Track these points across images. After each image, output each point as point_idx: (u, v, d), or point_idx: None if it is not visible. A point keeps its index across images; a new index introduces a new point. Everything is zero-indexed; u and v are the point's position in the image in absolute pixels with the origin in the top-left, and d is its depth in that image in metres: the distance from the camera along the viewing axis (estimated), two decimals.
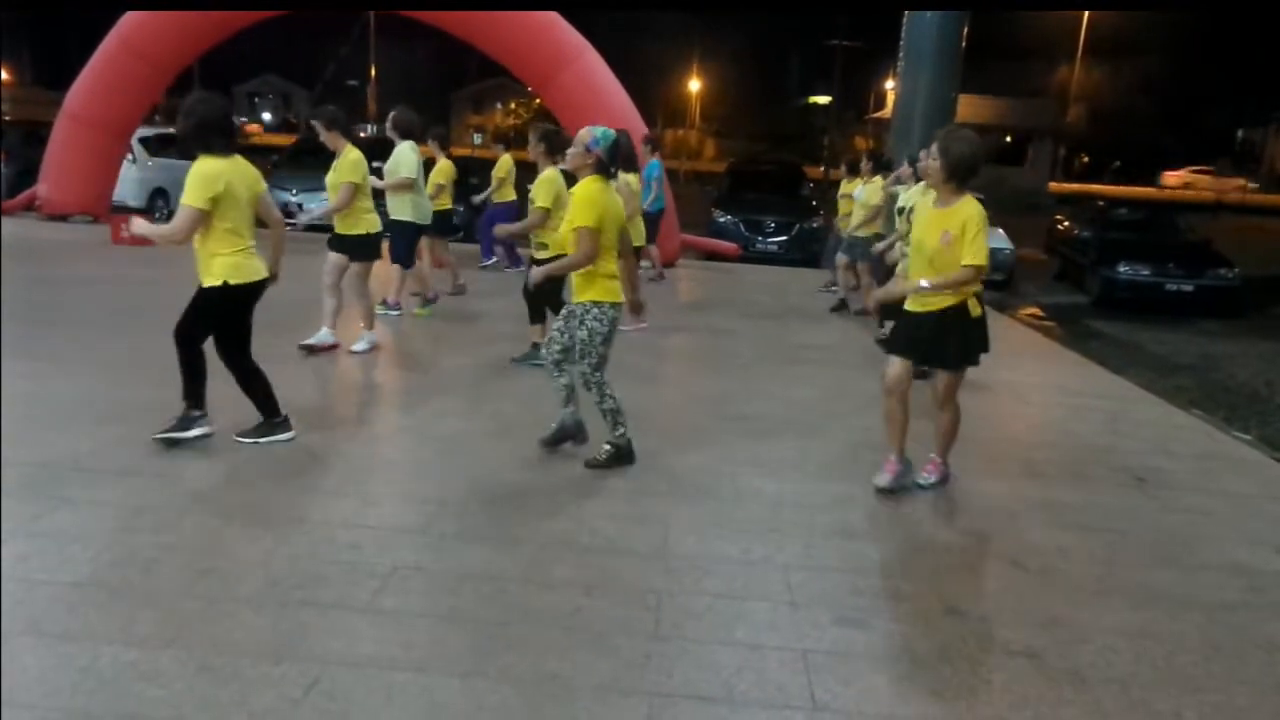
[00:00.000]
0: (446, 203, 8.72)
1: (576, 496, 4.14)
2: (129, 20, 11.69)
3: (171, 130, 19.61)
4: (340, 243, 6.34)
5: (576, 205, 4.18)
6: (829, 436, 5.27)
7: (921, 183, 6.17)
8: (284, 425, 4.58)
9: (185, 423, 4.38)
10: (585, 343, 4.30)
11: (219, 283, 4.22)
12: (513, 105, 62.71)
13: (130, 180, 13.86)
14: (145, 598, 3.05)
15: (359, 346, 6.50)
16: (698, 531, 3.85)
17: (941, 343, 4.19)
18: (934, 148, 4.11)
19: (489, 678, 2.73)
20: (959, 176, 4.04)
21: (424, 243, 8.11)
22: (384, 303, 7.77)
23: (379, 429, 5.00)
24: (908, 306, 4.27)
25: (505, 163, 10.07)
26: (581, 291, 4.29)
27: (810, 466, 4.76)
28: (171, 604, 3.02)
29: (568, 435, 4.65)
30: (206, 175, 4.07)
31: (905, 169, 7.51)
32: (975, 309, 4.15)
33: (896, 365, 4.30)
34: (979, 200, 4.08)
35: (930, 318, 4.16)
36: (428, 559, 3.45)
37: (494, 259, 10.95)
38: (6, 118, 19.02)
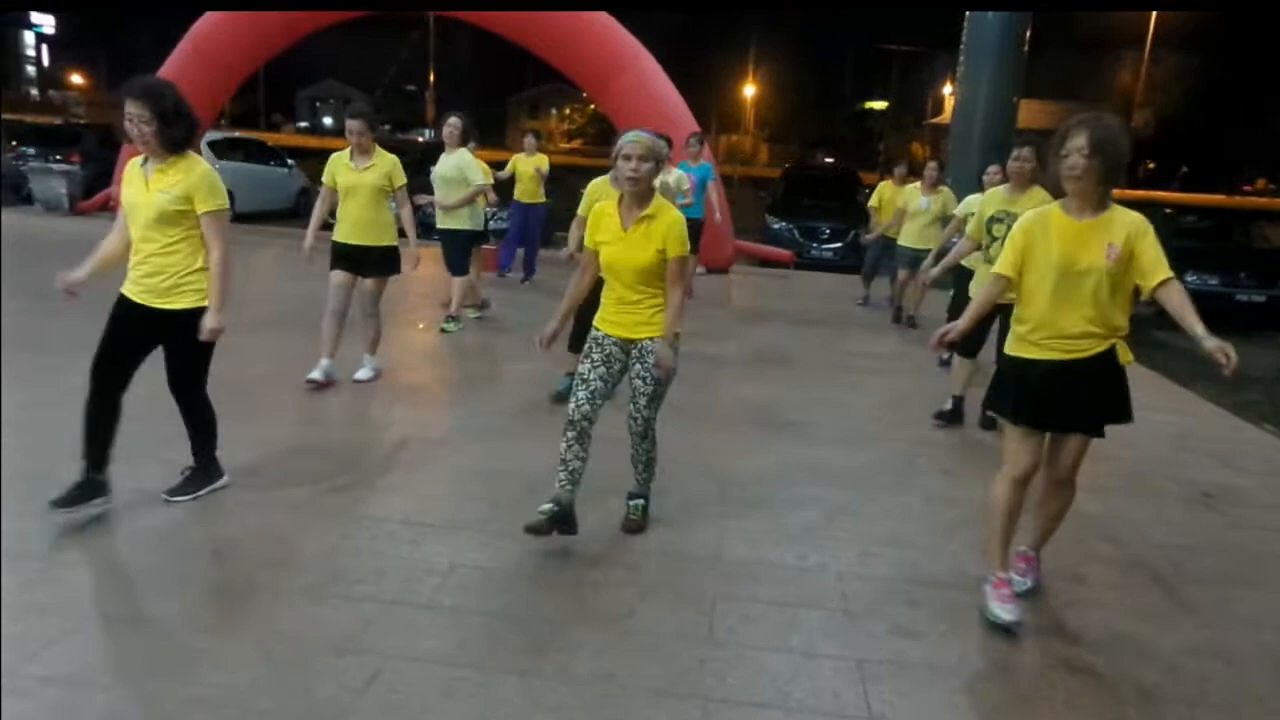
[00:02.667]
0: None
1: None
2: (201, 26, 12.07)
3: (238, 134, 20.21)
4: (362, 257, 5.59)
5: (681, 233, 3.49)
6: (883, 446, 5.22)
7: (999, 188, 5.40)
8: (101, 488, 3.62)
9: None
10: (660, 381, 3.60)
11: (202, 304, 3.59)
12: (568, 110, 63.25)
13: None
14: (213, 587, 3.15)
15: (362, 374, 5.79)
16: (751, 538, 3.85)
17: (1080, 398, 3.16)
18: (1078, 143, 2.98)
19: (545, 677, 2.76)
20: (1113, 179, 3.05)
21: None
22: (449, 318, 7.54)
23: (434, 430, 5.08)
24: (1020, 353, 3.21)
25: (541, 162, 9.58)
26: (665, 323, 3.57)
27: (864, 476, 4.72)
28: (237, 594, 3.11)
29: (566, 522, 3.56)
30: (214, 173, 3.59)
31: (994, 173, 6.71)
32: (1125, 355, 3.17)
33: (1031, 443, 3.23)
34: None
35: (1074, 366, 3.11)
36: (485, 558, 3.50)
37: (511, 271, 10.21)
38: (83, 121, 19.74)
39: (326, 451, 4.55)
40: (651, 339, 3.57)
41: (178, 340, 3.64)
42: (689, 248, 3.55)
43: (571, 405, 3.59)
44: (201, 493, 3.85)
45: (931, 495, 4.54)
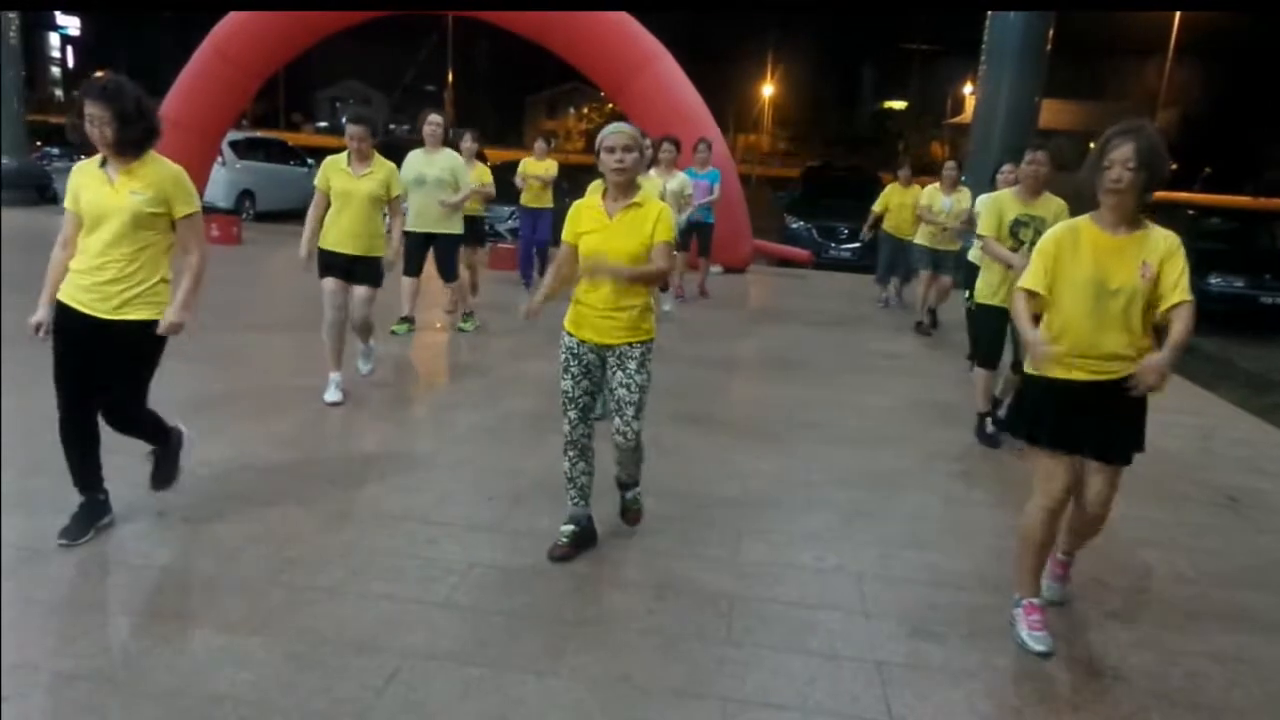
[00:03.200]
0: (477, 208, 8.12)
1: (646, 499, 4.15)
2: (222, 28, 12.15)
3: (259, 134, 20.37)
4: (349, 266, 5.31)
5: (670, 222, 3.39)
6: (902, 447, 5.19)
7: (1009, 190, 5.20)
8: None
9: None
10: (645, 389, 3.46)
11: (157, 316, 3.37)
12: (586, 110, 63.28)
13: (220, 182, 14.36)
14: (233, 584, 3.17)
15: (364, 368, 5.74)
16: (769, 538, 3.83)
17: (1108, 423, 3.03)
18: (1123, 154, 2.83)
19: (562, 677, 2.76)
20: (1152, 192, 2.92)
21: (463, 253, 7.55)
22: (465, 315, 7.57)
23: (453, 429, 5.09)
24: (1046, 373, 3.03)
25: (550, 167, 9.43)
26: (648, 329, 3.46)
27: (883, 476, 4.69)
28: (258, 592, 3.13)
29: (587, 538, 3.66)
30: (184, 174, 3.48)
31: (1008, 172, 6.48)
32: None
33: (1060, 468, 3.08)
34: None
35: (1104, 387, 2.96)
36: (503, 557, 3.51)
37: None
38: None
39: (344, 451, 4.58)
40: (629, 344, 3.40)
41: (125, 356, 3.36)
42: (670, 235, 3.37)
43: (566, 428, 3.52)
44: (183, 459, 3.73)
45: (951, 497, 4.51)
